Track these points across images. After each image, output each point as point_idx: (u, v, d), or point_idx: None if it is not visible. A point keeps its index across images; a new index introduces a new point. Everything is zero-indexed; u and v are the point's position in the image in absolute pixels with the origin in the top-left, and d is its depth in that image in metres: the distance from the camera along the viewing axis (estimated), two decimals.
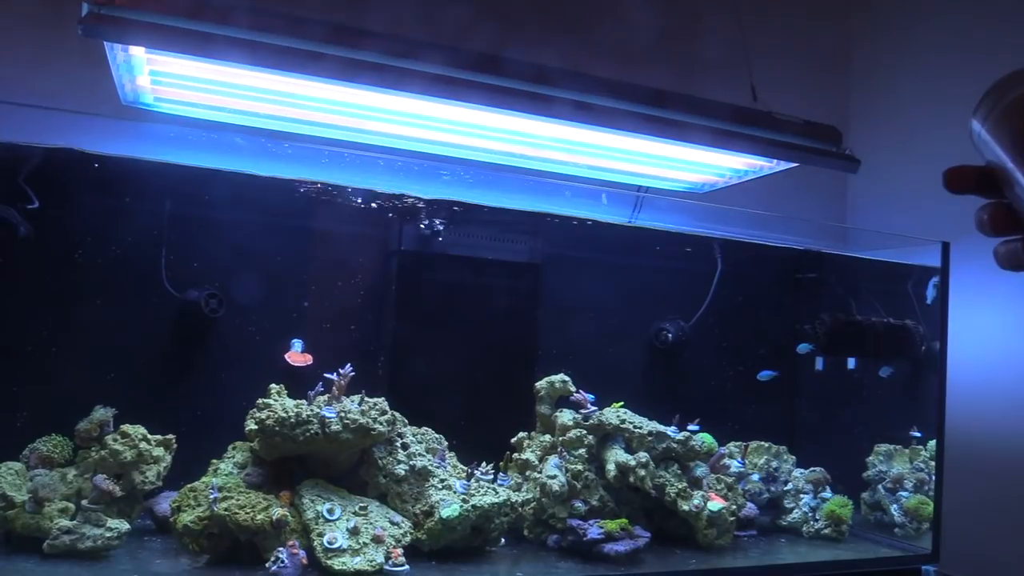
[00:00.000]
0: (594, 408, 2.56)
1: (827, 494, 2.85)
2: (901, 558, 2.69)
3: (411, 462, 2.25)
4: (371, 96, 1.99)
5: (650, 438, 2.48)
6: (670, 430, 2.52)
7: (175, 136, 2.21)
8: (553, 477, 2.39)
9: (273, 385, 2.24)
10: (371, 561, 1.98)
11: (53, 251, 2.33)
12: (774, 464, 2.91)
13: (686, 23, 3.22)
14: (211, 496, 1.98)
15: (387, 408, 2.25)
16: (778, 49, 3.33)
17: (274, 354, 2.40)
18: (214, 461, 2.21)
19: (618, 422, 2.51)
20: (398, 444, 2.29)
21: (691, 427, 2.60)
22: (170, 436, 2.22)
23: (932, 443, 2.83)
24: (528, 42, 2.70)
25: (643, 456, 2.43)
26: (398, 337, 2.67)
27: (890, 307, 3.06)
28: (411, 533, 2.13)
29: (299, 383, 2.26)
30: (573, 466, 2.45)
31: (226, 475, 2.13)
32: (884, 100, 3.46)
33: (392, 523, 2.13)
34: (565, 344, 2.91)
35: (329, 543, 1.98)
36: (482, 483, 2.26)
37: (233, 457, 2.21)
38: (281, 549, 1.93)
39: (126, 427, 2.15)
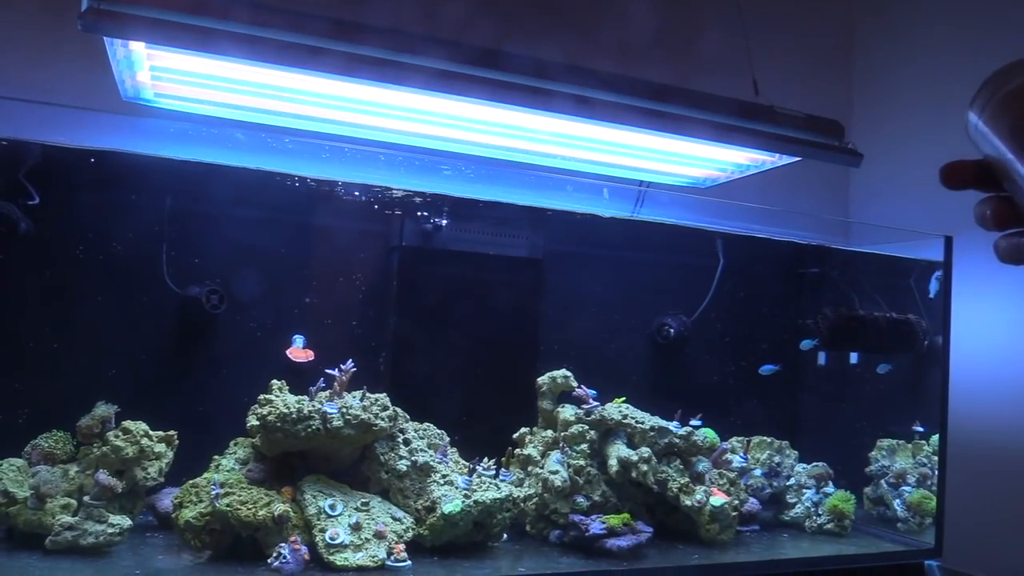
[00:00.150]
0: (596, 403, 2.55)
1: (830, 489, 2.85)
2: (904, 553, 2.69)
3: (413, 458, 2.25)
4: (371, 91, 1.98)
5: (652, 433, 2.48)
6: (672, 425, 2.51)
7: (175, 132, 2.20)
8: (555, 472, 2.38)
9: (275, 381, 2.24)
10: (373, 557, 1.98)
11: (54, 247, 2.33)
12: (776, 459, 2.91)
13: (687, 18, 3.20)
14: (213, 492, 1.98)
15: (389, 404, 2.25)
16: (780, 43, 3.32)
17: (275, 350, 2.40)
18: (216, 457, 2.21)
19: (620, 417, 2.50)
20: (400, 440, 2.28)
21: (693, 422, 2.59)
22: (172, 432, 2.22)
23: (935, 438, 2.82)
24: (529, 39, 2.69)
25: (645, 451, 2.43)
26: (399, 332, 2.67)
27: (893, 301, 3.05)
28: (413, 529, 2.13)
29: (301, 379, 2.26)
30: (575, 461, 2.45)
31: (228, 471, 2.13)
32: (886, 94, 3.44)
33: (394, 519, 2.12)
34: (567, 339, 2.91)
35: (331, 539, 1.98)
36: (484, 479, 2.26)
37: (235, 453, 2.21)
38: (283, 545, 1.93)
39: (128, 423, 2.15)
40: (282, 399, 2.15)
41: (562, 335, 2.91)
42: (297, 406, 2.11)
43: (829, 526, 2.76)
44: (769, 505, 2.87)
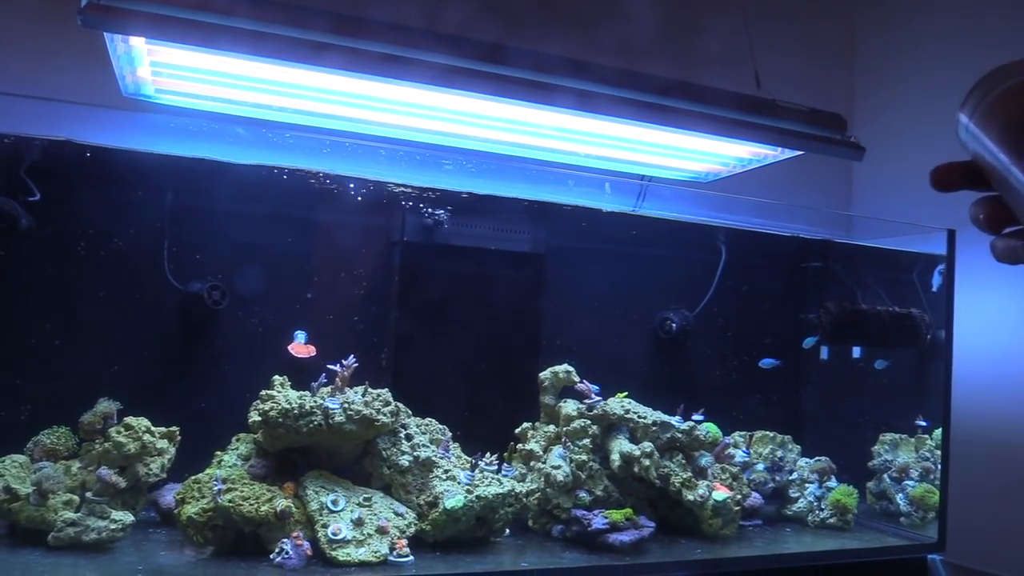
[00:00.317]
0: (598, 398, 2.55)
1: (832, 483, 2.85)
2: (907, 547, 2.69)
3: (415, 453, 2.25)
4: (373, 86, 1.98)
5: (654, 428, 2.48)
6: (674, 420, 2.51)
7: (176, 127, 2.20)
8: (557, 467, 2.38)
9: (276, 377, 2.24)
10: (375, 552, 1.98)
11: (55, 244, 2.32)
12: (779, 453, 2.91)
13: (688, 13, 3.19)
14: (215, 488, 1.98)
15: (391, 399, 2.24)
16: (782, 36, 3.31)
17: (277, 346, 2.40)
18: (218, 453, 2.21)
19: (622, 412, 2.50)
20: (402, 435, 2.28)
21: (696, 417, 2.59)
22: (174, 428, 2.22)
23: (938, 432, 2.82)
24: (530, 36, 2.68)
25: (648, 446, 2.42)
26: (401, 328, 2.67)
27: (896, 295, 3.05)
28: (415, 524, 2.13)
29: (302, 375, 2.26)
30: (577, 456, 2.44)
31: (230, 467, 2.13)
32: (889, 87, 3.43)
33: (396, 514, 2.12)
34: (569, 334, 2.90)
35: (333, 534, 1.98)
36: (486, 474, 2.26)
37: (237, 449, 2.21)
38: (285, 540, 1.93)
39: (130, 419, 2.15)
40: (284, 395, 2.14)
41: (564, 330, 2.91)
42: (299, 402, 2.11)
43: (832, 521, 2.76)
44: (772, 500, 2.87)
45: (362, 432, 2.17)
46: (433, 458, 2.26)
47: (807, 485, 2.85)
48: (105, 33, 1.67)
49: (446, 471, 2.25)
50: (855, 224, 3.44)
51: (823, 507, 2.79)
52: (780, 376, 3.15)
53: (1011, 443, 2.73)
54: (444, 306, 2.75)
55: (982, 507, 2.74)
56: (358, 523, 2.03)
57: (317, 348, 2.39)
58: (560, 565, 2.15)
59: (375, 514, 2.08)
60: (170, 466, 2.18)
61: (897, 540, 2.72)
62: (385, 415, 2.19)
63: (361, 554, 1.97)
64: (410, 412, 2.36)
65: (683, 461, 2.50)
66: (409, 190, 2.54)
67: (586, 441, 2.48)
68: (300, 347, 2.38)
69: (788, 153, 2.40)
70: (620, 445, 2.44)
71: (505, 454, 2.58)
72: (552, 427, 2.57)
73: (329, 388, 2.21)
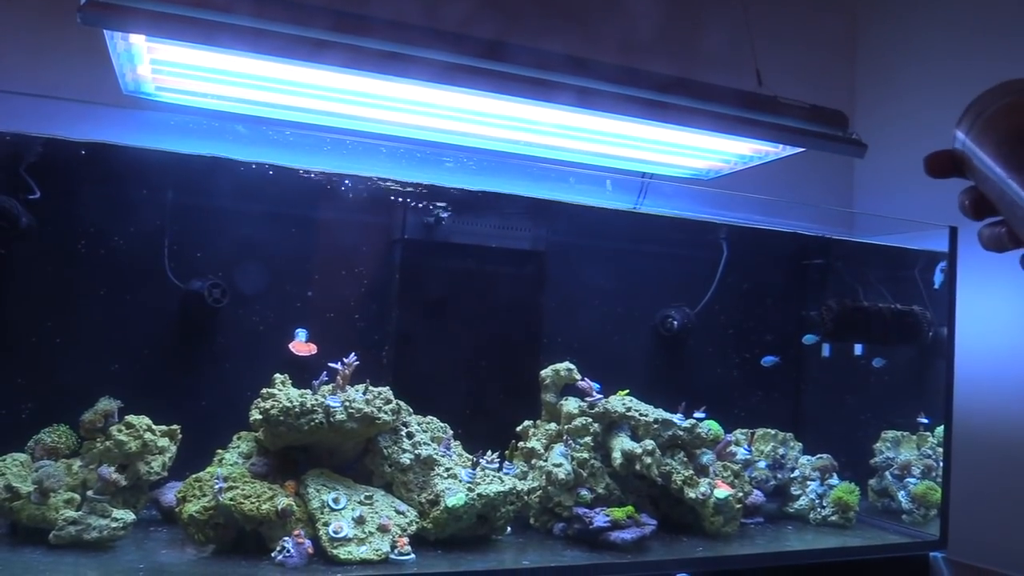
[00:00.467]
0: (599, 396, 2.55)
1: (834, 481, 2.84)
2: (908, 544, 2.69)
3: (416, 451, 2.25)
4: (374, 84, 1.97)
5: (656, 426, 2.47)
6: (676, 417, 2.51)
7: (176, 125, 2.20)
8: (559, 465, 2.38)
9: (277, 375, 2.24)
10: (377, 550, 1.98)
11: (55, 242, 2.32)
12: (781, 451, 2.90)
13: (689, 10, 3.19)
14: (216, 486, 1.98)
15: (392, 397, 2.24)
16: (783, 33, 3.30)
17: (278, 344, 2.39)
18: (219, 451, 2.21)
19: (624, 410, 2.50)
20: (403, 433, 2.28)
21: (697, 414, 2.59)
22: (175, 426, 2.22)
23: (940, 429, 2.82)
24: (530, 33, 2.67)
25: (649, 444, 2.42)
26: (402, 326, 2.66)
27: (897, 292, 3.04)
28: (417, 522, 2.13)
29: (303, 373, 2.26)
30: (579, 454, 2.44)
31: (231, 465, 2.13)
32: (890, 84, 3.43)
33: (398, 512, 2.12)
34: (570, 332, 2.90)
35: (335, 532, 1.98)
36: (488, 472, 2.26)
37: (238, 447, 2.21)
38: (287, 539, 1.93)
39: (131, 418, 2.14)
40: (285, 393, 2.14)
41: (565, 328, 2.90)
42: (300, 400, 2.11)
43: (833, 518, 2.75)
44: (773, 497, 2.87)
45: (363, 430, 2.16)
46: (434, 456, 2.26)
47: (809, 483, 2.85)
48: (105, 31, 1.67)
49: (447, 469, 2.25)
50: (857, 221, 3.43)
51: (825, 504, 2.79)
52: (781, 373, 3.15)
53: (1013, 440, 2.72)
54: (445, 304, 2.75)
55: (984, 504, 2.74)
56: (359, 521, 2.03)
57: (318, 346, 2.39)
58: (562, 563, 2.15)
59: (376, 512, 2.08)
60: (171, 464, 2.18)
61: (899, 537, 2.72)
62: (386, 413, 2.19)
63: (362, 552, 1.96)
64: (411, 410, 2.36)
65: (685, 459, 2.49)
66: (410, 187, 2.53)
67: (587, 439, 2.48)
68: (301, 345, 2.37)
69: (789, 150, 2.39)
70: (622, 443, 2.44)
71: (506, 452, 2.58)
72: (553, 425, 2.57)
73: (330, 386, 2.21)
